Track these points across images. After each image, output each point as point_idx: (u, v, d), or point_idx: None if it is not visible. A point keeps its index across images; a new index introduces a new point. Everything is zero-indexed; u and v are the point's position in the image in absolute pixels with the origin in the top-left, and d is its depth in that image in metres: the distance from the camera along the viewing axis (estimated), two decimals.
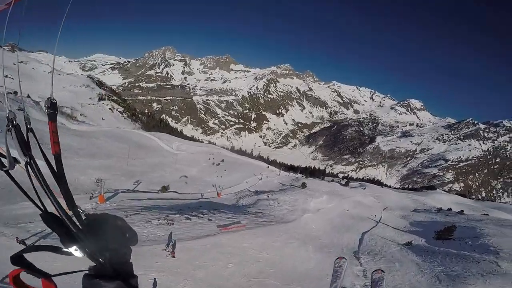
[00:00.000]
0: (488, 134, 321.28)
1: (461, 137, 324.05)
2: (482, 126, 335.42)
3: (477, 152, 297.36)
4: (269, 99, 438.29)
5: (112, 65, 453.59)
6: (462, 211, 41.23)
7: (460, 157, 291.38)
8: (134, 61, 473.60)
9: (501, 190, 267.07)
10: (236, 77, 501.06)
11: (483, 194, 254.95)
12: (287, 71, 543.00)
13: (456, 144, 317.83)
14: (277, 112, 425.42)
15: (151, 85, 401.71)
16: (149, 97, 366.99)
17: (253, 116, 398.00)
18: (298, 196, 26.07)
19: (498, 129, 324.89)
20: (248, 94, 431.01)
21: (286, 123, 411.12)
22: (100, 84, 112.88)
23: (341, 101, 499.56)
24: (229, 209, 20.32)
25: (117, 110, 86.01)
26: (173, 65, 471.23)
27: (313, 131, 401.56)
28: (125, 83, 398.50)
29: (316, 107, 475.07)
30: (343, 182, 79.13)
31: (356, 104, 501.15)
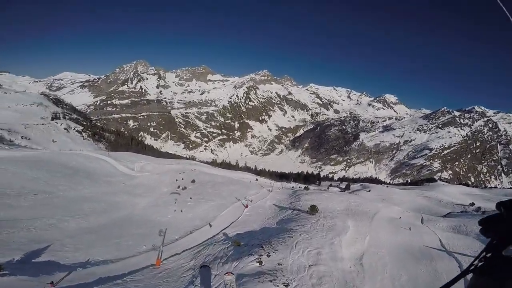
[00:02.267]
0: (464, 120, 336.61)
1: (440, 126, 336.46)
2: (456, 113, 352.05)
3: (458, 138, 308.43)
4: (251, 107, 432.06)
5: (81, 83, 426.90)
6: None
7: (442, 145, 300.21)
8: (105, 77, 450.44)
9: (487, 174, 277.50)
10: (215, 87, 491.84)
11: (472, 180, 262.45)
12: (266, 77, 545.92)
13: (437, 132, 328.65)
14: (260, 119, 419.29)
15: (125, 101, 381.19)
16: (123, 115, 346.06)
17: (236, 125, 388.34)
18: (315, 239, 16.02)
19: (472, 114, 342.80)
20: (228, 103, 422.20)
21: (270, 129, 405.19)
22: (57, 102, 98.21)
23: (321, 102, 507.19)
24: None
25: (74, 130, 72.44)
26: (147, 79, 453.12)
27: (298, 134, 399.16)
28: (97, 101, 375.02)
29: (297, 110, 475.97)
30: (343, 186, 71.17)
31: (335, 104, 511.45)
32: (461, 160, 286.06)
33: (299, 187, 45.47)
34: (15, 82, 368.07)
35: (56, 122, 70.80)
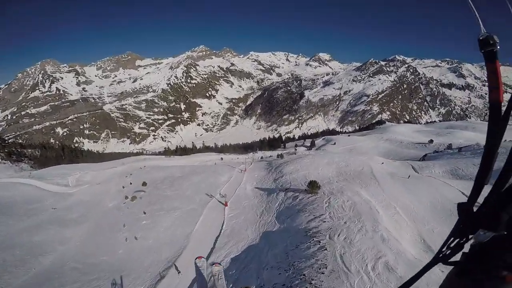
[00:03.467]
0: (389, 68, 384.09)
1: (371, 75, 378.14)
2: (383, 63, 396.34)
3: (387, 83, 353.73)
4: (194, 85, 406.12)
5: None
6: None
7: (377, 90, 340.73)
8: (6, 86, 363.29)
9: (418, 110, 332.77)
10: (148, 72, 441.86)
11: (407, 117, 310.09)
12: (204, 52, 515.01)
13: (370, 81, 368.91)
14: (207, 95, 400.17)
15: (43, 108, 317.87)
16: (47, 123, 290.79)
17: (183, 106, 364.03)
18: (358, 238, 11.41)
19: (395, 63, 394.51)
20: (168, 86, 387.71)
21: (220, 103, 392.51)
22: None
23: (264, 68, 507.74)
24: None
25: None
26: (62, 78, 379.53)
27: (248, 102, 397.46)
28: (7, 115, 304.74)
29: (243, 80, 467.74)
30: (308, 144, 73.42)
31: (276, 68, 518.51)
32: (395, 102, 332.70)
33: (270, 156, 44.16)
34: None
35: None
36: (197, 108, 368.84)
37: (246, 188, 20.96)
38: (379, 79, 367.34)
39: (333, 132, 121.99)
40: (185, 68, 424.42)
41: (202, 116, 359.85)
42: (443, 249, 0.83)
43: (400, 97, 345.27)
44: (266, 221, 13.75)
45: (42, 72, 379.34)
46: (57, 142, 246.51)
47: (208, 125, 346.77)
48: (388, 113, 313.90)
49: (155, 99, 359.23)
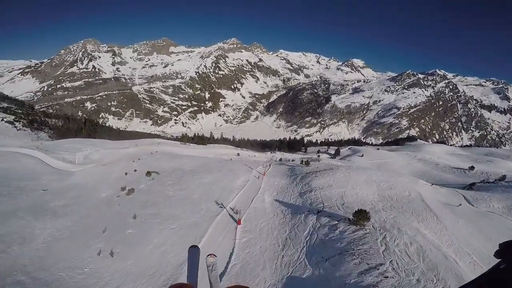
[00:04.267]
0: (427, 82, 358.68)
1: (406, 87, 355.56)
2: (420, 76, 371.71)
3: (422, 98, 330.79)
4: (221, 76, 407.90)
5: (21, 70, 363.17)
6: None
7: (409, 104, 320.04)
8: (49, 61, 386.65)
9: (449, 130, 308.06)
10: (179, 59, 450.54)
11: (437, 136, 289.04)
12: (235, 45, 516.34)
13: (403, 93, 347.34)
14: (232, 87, 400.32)
15: (77, 83, 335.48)
16: (78, 97, 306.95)
17: (207, 95, 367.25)
18: None
19: (434, 77, 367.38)
20: (196, 74, 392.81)
21: (243, 97, 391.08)
22: None
23: (291, 68, 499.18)
24: None
25: (2, 120, 58.50)
26: (99, 57, 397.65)
27: (271, 100, 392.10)
28: (44, 87, 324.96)
29: (269, 76, 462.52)
30: (332, 152, 67.94)
31: (305, 69, 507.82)
32: (426, 118, 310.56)
33: (293, 160, 40.09)
34: None
35: None
36: (221, 99, 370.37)
37: (265, 199, 16.97)
38: (414, 92, 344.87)
39: (357, 142, 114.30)
40: (215, 59, 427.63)
41: (224, 107, 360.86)
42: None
43: (433, 114, 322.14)
44: (292, 258, 9.74)
45: (83, 50, 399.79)
46: (84, 115, 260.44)
47: (228, 116, 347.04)
48: (417, 129, 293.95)
49: (182, 86, 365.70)
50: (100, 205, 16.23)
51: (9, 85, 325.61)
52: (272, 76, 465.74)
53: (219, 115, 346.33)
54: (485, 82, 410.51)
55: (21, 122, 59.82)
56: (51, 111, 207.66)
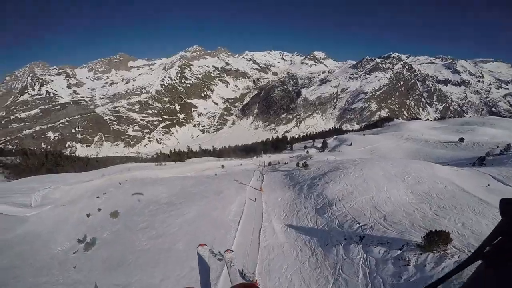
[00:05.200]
0: (385, 65, 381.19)
1: (367, 72, 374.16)
2: (378, 60, 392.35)
3: (384, 80, 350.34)
4: (189, 85, 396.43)
5: None
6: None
7: (374, 87, 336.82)
8: None
9: (415, 107, 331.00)
10: (141, 74, 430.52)
11: (406, 114, 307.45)
12: (198, 52, 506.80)
13: (366, 78, 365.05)
14: (203, 95, 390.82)
15: (33, 112, 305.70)
16: (38, 128, 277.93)
17: (178, 107, 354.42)
18: None
19: (390, 59, 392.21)
20: (162, 86, 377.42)
21: (216, 103, 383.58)
22: None
23: (259, 67, 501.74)
24: None
25: None
26: (51, 81, 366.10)
27: (245, 102, 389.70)
28: None
29: (239, 79, 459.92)
30: (319, 145, 65.90)
31: (272, 67, 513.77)
32: (392, 98, 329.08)
33: (285, 163, 36.53)
34: None
35: None
36: (193, 109, 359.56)
37: (275, 228, 12.59)
38: (376, 76, 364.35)
39: (339, 131, 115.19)
40: (179, 69, 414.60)
41: (198, 116, 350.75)
42: (485, 247, 0.77)
43: (397, 94, 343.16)
44: None
45: (31, 74, 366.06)
46: (48, 147, 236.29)
47: (204, 126, 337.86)
48: (386, 110, 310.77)
49: (149, 101, 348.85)
50: (52, 266, 11.41)
51: None
52: (242, 78, 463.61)
53: (194, 125, 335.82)
54: (435, 60, 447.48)
55: None
56: (10, 146, 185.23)
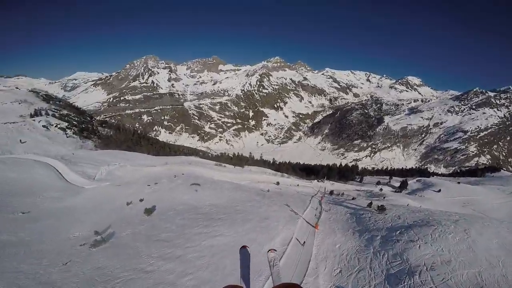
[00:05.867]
0: (500, 101, 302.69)
1: (473, 107, 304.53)
2: (491, 94, 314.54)
3: (495, 119, 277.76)
4: (265, 94, 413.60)
5: (94, 82, 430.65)
6: None
7: (478, 126, 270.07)
8: (116, 74, 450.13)
9: None
10: (227, 77, 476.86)
11: None
12: (278, 64, 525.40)
13: (470, 114, 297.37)
14: (275, 106, 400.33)
15: (137, 96, 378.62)
16: (137, 110, 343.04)
17: (251, 114, 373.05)
18: None
19: (508, 95, 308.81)
20: (241, 92, 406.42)
21: (286, 116, 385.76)
22: (48, 98, 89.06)
23: (339, 86, 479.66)
24: None
25: (56, 126, 62.07)
26: (158, 73, 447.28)
27: (316, 120, 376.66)
28: (110, 98, 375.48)
29: (314, 96, 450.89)
30: (397, 184, 53.92)
31: (354, 88, 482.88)
32: (500, 143, 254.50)
33: (353, 199, 29.87)
34: (31, 84, 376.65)
35: (34, 120, 60.95)
36: (263, 118, 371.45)
37: None
38: (484, 113, 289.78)
39: (423, 172, 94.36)
40: (259, 77, 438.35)
41: (266, 126, 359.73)
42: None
43: (508, 138, 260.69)
44: None
45: (144, 65, 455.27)
46: (140, 127, 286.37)
47: (270, 136, 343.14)
48: (488, 156, 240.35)
49: (228, 103, 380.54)
50: (55, 257, 9.99)
51: (83, 95, 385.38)
52: (317, 95, 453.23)
53: (261, 134, 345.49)
54: None
55: (72, 130, 62.90)
56: (113, 121, 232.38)
